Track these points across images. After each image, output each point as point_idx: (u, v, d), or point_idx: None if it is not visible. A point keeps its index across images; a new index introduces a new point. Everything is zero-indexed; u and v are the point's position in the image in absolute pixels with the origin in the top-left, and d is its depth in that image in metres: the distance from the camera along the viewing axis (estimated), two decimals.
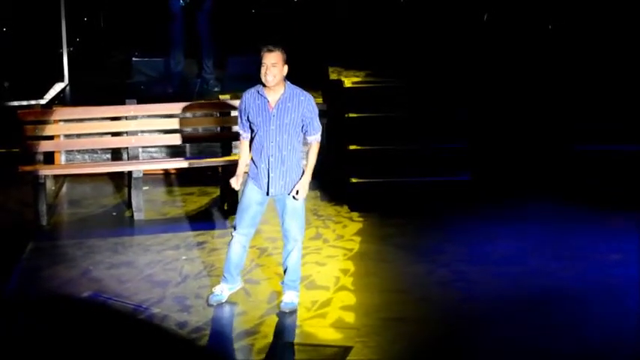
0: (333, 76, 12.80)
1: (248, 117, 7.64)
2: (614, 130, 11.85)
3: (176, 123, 11.01)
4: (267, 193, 7.67)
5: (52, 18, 13.14)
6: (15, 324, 7.66)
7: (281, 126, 7.53)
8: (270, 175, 7.60)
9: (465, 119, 11.82)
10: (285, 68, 7.53)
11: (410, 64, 13.01)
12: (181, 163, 10.95)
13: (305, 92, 7.64)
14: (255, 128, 7.62)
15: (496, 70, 12.61)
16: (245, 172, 7.87)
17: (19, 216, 10.44)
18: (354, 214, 10.49)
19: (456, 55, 12.94)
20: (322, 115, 12.21)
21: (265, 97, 7.55)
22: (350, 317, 7.82)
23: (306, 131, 7.66)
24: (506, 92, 12.27)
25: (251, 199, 7.75)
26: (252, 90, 7.64)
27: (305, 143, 7.81)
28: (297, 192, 7.62)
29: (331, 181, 11.63)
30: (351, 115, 11.87)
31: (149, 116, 10.85)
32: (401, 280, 8.63)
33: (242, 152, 7.89)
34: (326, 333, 7.52)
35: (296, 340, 7.43)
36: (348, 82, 12.46)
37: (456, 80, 12.34)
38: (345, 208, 10.71)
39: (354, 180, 11.15)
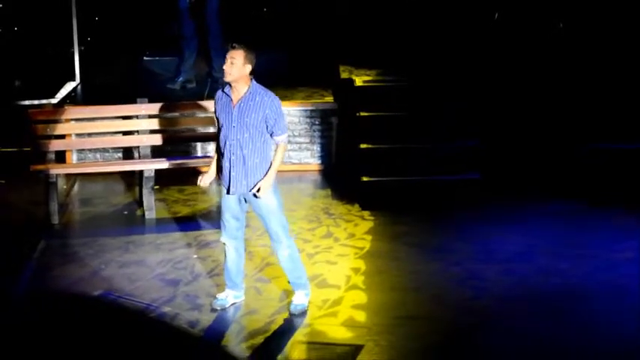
0: (344, 75, 12.79)
1: (217, 116, 7.68)
2: (625, 128, 11.82)
3: (188, 121, 11.04)
4: (228, 192, 7.66)
5: (63, 17, 13.16)
6: (26, 322, 7.67)
7: (242, 124, 7.51)
8: (232, 173, 7.58)
9: (476, 118, 11.80)
10: (248, 67, 7.48)
11: (421, 63, 13.00)
12: (193, 162, 10.94)
13: (270, 93, 7.60)
14: (220, 126, 7.65)
15: (507, 69, 12.58)
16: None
17: (30, 215, 10.46)
18: (366, 213, 10.48)
19: (467, 54, 12.92)
20: (333, 113, 12.34)
21: (229, 95, 7.58)
22: (361, 316, 7.81)
23: (272, 132, 7.59)
24: (517, 91, 12.25)
25: (227, 200, 7.74)
26: (221, 89, 7.71)
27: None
28: (259, 189, 7.57)
29: (342, 180, 11.63)
30: (362, 113, 11.86)
31: (160, 115, 10.86)
32: (412, 279, 8.62)
33: (216, 151, 7.91)
34: (337, 332, 7.52)
35: (307, 338, 7.43)
36: (359, 81, 12.44)
37: (467, 79, 12.32)
38: (357, 206, 10.70)
39: (365, 178, 11.13)
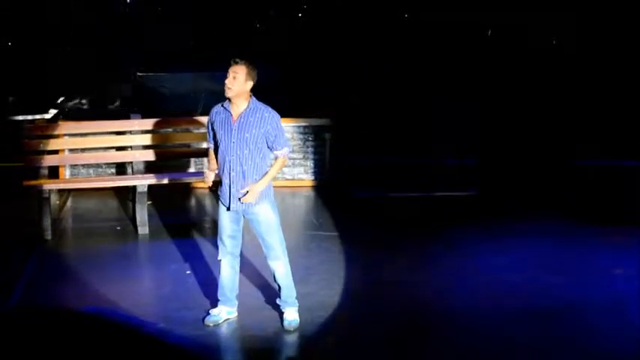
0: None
1: (213, 130, 7.64)
2: (618, 145, 11.88)
3: (181, 137, 11.05)
4: (229, 208, 7.63)
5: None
6: (18, 337, 7.65)
7: (241, 140, 7.47)
8: (232, 190, 7.55)
9: (473, 136, 11.86)
10: (249, 84, 7.46)
11: (416, 81, 13.06)
12: (186, 178, 10.94)
13: (270, 109, 7.55)
14: (218, 142, 7.60)
15: (504, 86, 12.65)
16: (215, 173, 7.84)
17: (23, 230, 10.44)
18: (359, 228, 10.48)
19: (463, 71, 12.99)
20: (326, 129, 12.36)
21: (229, 111, 7.53)
22: (355, 332, 7.79)
23: (273, 147, 7.56)
24: (514, 109, 12.32)
25: (224, 219, 7.70)
26: (219, 104, 7.64)
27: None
28: (246, 193, 7.47)
29: (336, 195, 11.64)
30: (355, 129, 11.90)
31: (153, 131, 10.86)
32: (406, 294, 8.59)
33: (210, 155, 7.80)
34: (331, 348, 7.50)
35: (300, 355, 7.41)
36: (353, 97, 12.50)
37: (464, 95, 12.39)
38: (350, 221, 10.70)
39: (358, 194, 11.16)
